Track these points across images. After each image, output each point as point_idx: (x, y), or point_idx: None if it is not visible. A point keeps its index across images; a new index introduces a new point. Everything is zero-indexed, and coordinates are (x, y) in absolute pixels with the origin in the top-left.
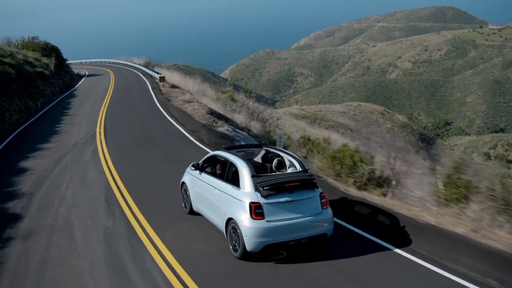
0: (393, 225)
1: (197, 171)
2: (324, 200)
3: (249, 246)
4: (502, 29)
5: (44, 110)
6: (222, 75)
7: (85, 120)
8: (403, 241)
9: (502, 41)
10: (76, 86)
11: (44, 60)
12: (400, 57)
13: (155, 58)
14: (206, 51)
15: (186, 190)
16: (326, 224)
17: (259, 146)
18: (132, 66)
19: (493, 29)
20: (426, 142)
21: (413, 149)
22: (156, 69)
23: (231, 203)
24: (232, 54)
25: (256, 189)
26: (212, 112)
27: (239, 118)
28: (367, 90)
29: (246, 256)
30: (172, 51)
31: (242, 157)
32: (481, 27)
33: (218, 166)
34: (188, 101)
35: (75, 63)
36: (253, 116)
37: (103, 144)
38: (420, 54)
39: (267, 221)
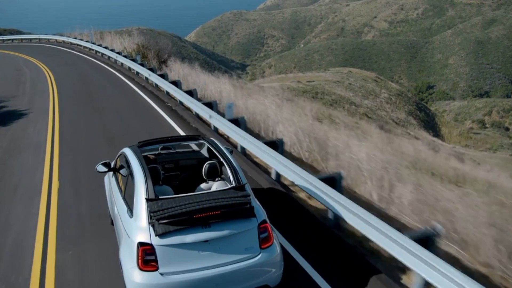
0: None
1: (111, 172)
2: (265, 235)
3: None
4: None
5: None
6: (187, 38)
7: None
8: None
9: None
10: None
11: None
12: (375, 17)
13: (108, 24)
14: (167, 14)
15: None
16: (271, 270)
17: (195, 138)
18: (104, 56)
19: None
20: (423, 112)
21: None
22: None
23: (122, 236)
24: (197, 17)
25: (151, 221)
26: None
27: None
28: (345, 53)
29: None
30: (132, 15)
31: (143, 164)
32: None
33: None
34: None
35: None
36: None
37: None
38: (396, 14)
39: (161, 273)
